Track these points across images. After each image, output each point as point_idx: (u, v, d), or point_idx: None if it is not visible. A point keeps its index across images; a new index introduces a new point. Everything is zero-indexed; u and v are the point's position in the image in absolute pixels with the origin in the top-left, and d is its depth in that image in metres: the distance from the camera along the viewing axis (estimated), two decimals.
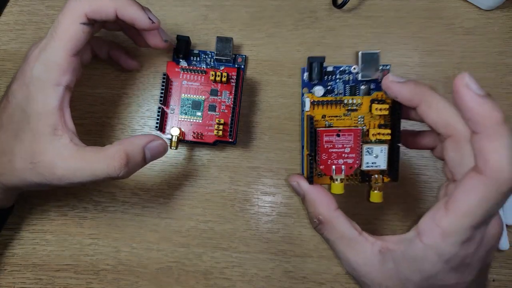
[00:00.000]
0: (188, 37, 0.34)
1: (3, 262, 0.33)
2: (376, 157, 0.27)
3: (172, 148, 0.31)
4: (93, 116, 0.35)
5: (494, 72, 0.36)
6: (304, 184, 0.26)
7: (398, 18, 0.37)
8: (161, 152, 0.28)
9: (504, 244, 0.32)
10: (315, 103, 0.27)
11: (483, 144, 0.19)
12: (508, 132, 0.19)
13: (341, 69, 0.30)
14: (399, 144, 0.27)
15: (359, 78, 0.29)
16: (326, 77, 0.30)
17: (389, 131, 0.27)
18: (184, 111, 0.33)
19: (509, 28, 0.36)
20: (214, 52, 0.35)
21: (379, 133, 0.27)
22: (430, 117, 0.23)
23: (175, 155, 0.34)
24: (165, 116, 0.33)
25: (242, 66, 0.36)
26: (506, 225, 0.32)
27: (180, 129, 0.32)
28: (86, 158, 0.26)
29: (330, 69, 0.30)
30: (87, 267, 0.32)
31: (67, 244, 0.33)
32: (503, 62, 0.36)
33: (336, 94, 0.30)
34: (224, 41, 0.34)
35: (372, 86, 0.30)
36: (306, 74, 0.30)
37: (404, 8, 0.37)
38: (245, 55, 0.36)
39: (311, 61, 0.29)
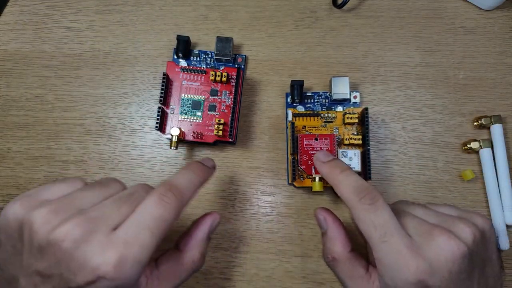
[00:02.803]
0: (188, 37, 0.34)
1: None
2: (350, 160, 0.31)
3: (172, 148, 0.31)
4: (93, 116, 0.35)
5: (494, 72, 0.36)
6: (330, 220, 0.28)
7: (398, 18, 0.37)
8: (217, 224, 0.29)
9: (504, 244, 0.32)
10: (297, 115, 0.33)
11: (337, 191, 0.26)
12: (344, 176, 0.26)
13: (318, 93, 0.35)
14: (369, 147, 0.31)
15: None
16: (306, 100, 0.35)
17: (360, 136, 0.31)
18: (184, 111, 0.33)
19: (509, 28, 0.36)
20: (214, 52, 0.35)
21: (351, 138, 0.32)
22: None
23: (175, 155, 0.34)
24: (165, 116, 0.33)
25: (242, 66, 0.36)
26: (506, 225, 0.32)
27: (180, 129, 0.32)
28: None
29: (309, 94, 0.35)
30: None
31: None
32: (503, 62, 0.36)
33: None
34: (224, 41, 0.34)
35: (344, 107, 0.34)
36: (289, 98, 0.35)
37: (404, 8, 0.37)
38: (245, 55, 0.36)
39: (292, 84, 0.34)
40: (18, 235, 0.21)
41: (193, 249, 0.26)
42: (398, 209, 0.26)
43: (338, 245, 0.27)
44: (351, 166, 0.31)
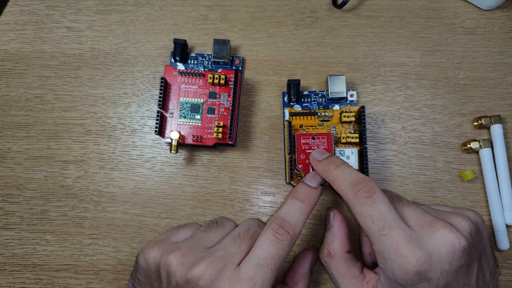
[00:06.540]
0: (185, 40, 0.34)
1: (3, 262, 0.33)
2: (348, 158, 0.32)
3: (172, 152, 0.31)
4: (93, 116, 0.35)
5: (494, 72, 0.36)
6: (338, 218, 0.29)
7: (398, 18, 0.37)
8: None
9: (504, 244, 0.32)
10: (293, 114, 0.33)
11: (334, 187, 0.26)
12: (339, 171, 0.26)
13: (315, 92, 0.35)
14: (366, 145, 0.31)
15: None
16: (302, 99, 0.35)
17: (357, 135, 0.31)
18: (183, 115, 0.33)
19: (509, 28, 0.36)
20: (211, 55, 0.35)
21: (348, 137, 0.32)
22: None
23: (175, 155, 0.34)
24: (164, 120, 0.33)
25: (240, 68, 0.36)
26: (506, 225, 0.32)
27: (179, 132, 0.32)
28: None
29: (306, 93, 0.35)
30: (87, 267, 0.32)
31: (67, 244, 0.33)
32: (503, 62, 0.36)
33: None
34: (221, 44, 0.34)
35: (341, 106, 0.34)
36: (286, 97, 0.34)
37: (404, 8, 0.37)
38: (243, 57, 0.36)
39: (289, 83, 0.34)
40: (156, 276, 0.25)
41: (298, 283, 0.28)
42: (398, 199, 0.26)
43: (338, 242, 0.28)
44: None
